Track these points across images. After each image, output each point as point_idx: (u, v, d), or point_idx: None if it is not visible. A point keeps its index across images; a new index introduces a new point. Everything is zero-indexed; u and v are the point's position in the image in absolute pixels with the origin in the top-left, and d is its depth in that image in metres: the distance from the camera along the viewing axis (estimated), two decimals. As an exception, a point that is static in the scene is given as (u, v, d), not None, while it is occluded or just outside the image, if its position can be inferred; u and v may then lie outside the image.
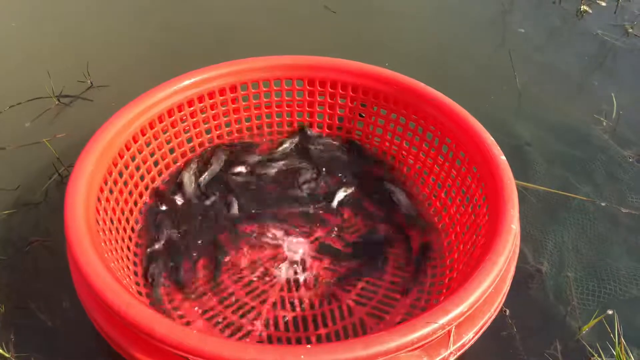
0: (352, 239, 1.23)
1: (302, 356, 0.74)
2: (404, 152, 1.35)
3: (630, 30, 2.02)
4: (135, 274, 1.12)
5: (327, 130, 1.43)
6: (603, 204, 1.36)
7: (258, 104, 1.38)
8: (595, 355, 1.05)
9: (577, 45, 1.96)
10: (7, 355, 1.03)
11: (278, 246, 1.21)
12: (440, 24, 2.06)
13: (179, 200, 1.27)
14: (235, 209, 1.26)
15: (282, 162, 1.37)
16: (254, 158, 1.37)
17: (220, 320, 1.07)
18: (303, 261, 1.18)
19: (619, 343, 1.04)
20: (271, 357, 0.74)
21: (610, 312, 1.12)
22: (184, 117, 1.30)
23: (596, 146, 1.53)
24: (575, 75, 1.81)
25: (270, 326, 1.06)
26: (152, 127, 1.23)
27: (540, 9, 2.15)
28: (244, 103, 1.36)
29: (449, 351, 0.84)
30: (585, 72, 1.83)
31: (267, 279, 1.15)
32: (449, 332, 0.84)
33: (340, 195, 1.30)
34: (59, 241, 1.21)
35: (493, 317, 0.92)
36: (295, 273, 1.15)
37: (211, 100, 1.32)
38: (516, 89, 1.72)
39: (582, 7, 2.10)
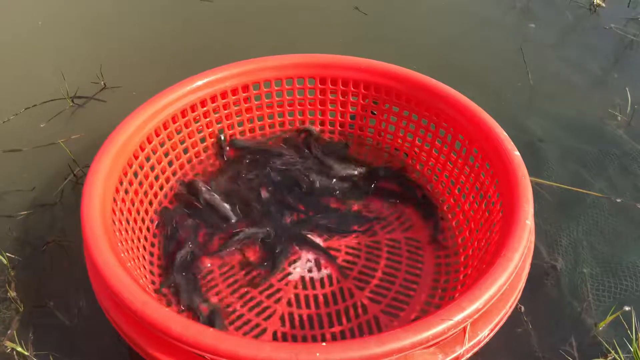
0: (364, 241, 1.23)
1: (318, 354, 0.74)
2: (416, 149, 1.35)
3: (645, 23, 2.00)
4: (152, 273, 1.13)
5: (339, 128, 1.43)
6: (618, 200, 1.34)
7: (270, 102, 1.38)
8: (612, 352, 1.04)
9: (590, 39, 1.94)
10: (26, 353, 1.04)
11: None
12: (450, 20, 2.05)
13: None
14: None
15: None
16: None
17: (235, 318, 1.08)
18: (317, 259, 1.18)
19: (637, 339, 1.04)
20: (286, 354, 0.75)
21: (627, 308, 1.11)
22: (197, 117, 1.31)
23: (610, 141, 1.51)
24: (588, 70, 1.79)
25: (286, 324, 1.07)
26: (165, 128, 1.24)
27: (552, 2, 2.13)
28: (256, 102, 1.37)
29: (464, 348, 0.84)
30: (599, 67, 1.81)
31: (281, 276, 1.15)
32: (464, 329, 0.84)
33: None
34: (75, 241, 1.24)
35: (508, 313, 0.91)
36: (310, 271, 1.16)
37: (224, 100, 1.33)
38: (529, 85, 1.71)
39: (595, 0, 2.08)
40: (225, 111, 1.35)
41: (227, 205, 1.25)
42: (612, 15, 2.04)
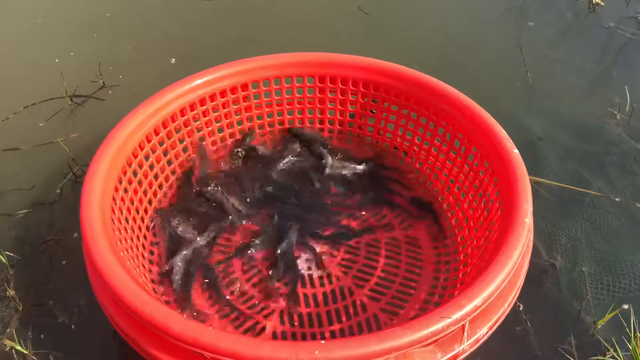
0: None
1: (317, 351, 0.74)
2: (415, 148, 1.35)
3: (643, 22, 2.00)
4: (151, 272, 1.13)
5: (338, 127, 1.43)
6: (617, 199, 1.35)
7: (269, 101, 1.38)
8: (611, 350, 1.04)
9: (589, 38, 1.94)
10: (25, 352, 1.04)
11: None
12: (449, 20, 2.05)
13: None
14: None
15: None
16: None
17: (235, 316, 1.08)
18: (316, 258, 1.18)
19: (635, 338, 1.04)
20: (286, 353, 0.75)
21: (625, 306, 1.11)
22: (196, 116, 1.31)
23: (610, 140, 1.51)
24: (587, 69, 1.79)
25: (285, 322, 1.07)
26: (165, 127, 1.24)
27: (551, 1, 2.13)
28: (255, 101, 1.37)
29: (462, 346, 0.84)
30: (598, 66, 1.81)
31: (281, 275, 1.15)
32: (463, 327, 0.84)
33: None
34: (74, 240, 1.24)
35: (507, 311, 0.91)
36: (309, 269, 1.16)
37: (223, 99, 1.33)
38: (528, 84, 1.71)
39: (594, -1, 2.08)
40: (225, 110, 1.35)
41: (228, 204, 1.25)
42: (611, 14, 2.04)
